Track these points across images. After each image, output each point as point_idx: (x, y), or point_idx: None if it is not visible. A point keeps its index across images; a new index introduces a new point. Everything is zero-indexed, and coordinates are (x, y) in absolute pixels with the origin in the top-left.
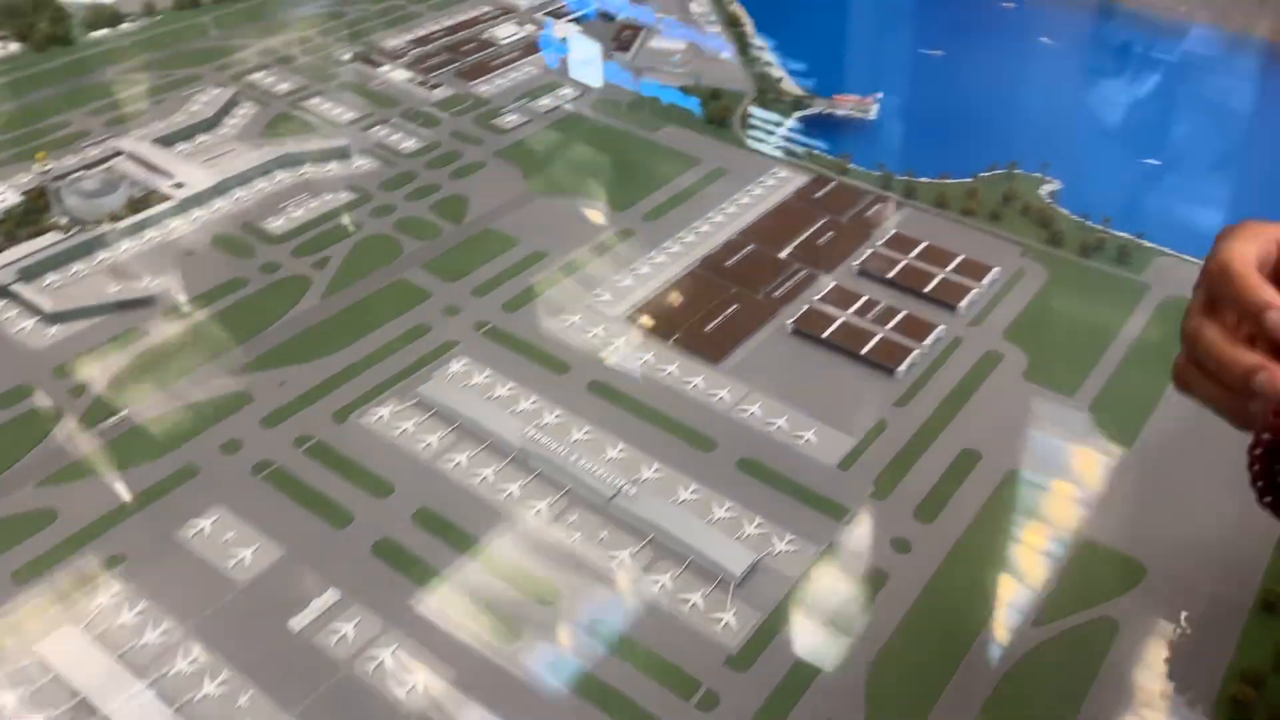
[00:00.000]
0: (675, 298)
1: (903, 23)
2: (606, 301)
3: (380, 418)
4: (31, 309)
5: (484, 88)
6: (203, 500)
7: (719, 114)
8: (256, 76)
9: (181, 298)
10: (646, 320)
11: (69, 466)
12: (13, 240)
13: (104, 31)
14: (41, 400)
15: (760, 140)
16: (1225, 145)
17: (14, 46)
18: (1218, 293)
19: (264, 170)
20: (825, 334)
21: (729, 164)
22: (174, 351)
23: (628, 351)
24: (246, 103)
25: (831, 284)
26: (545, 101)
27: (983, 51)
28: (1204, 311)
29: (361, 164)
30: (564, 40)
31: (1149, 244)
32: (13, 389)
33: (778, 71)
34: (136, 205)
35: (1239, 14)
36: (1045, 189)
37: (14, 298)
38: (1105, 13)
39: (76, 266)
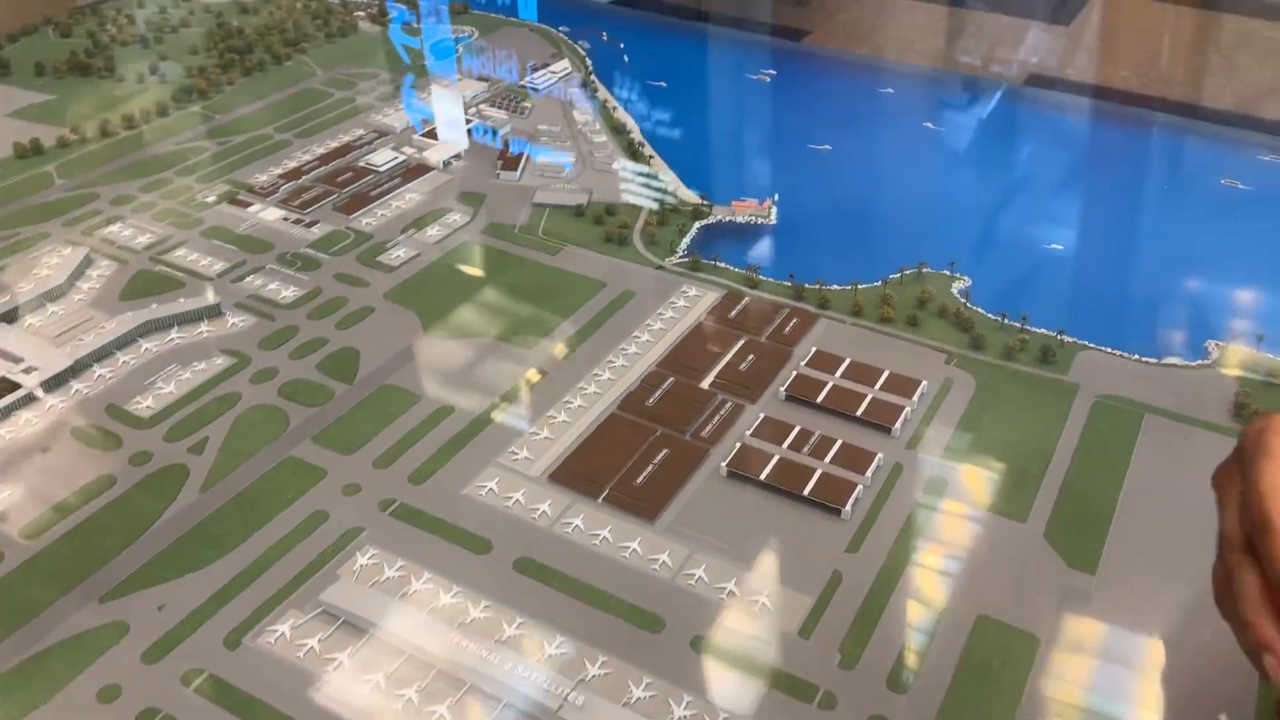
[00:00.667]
0: (598, 448)
1: (784, 117)
2: (524, 460)
3: (280, 635)
4: None
5: (366, 221)
6: None
7: (618, 231)
8: (112, 230)
9: (37, 510)
10: (570, 480)
11: None
12: None
13: None
14: None
15: (665, 256)
16: (1124, 218)
17: None
18: (1258, 545)
19: (126, 341)
20: (763, 475)
21: (636, 284)
22: (32, 584)
23: (554, 517)
24: (102, 261)
25: (760, 416)
26: (433, 231)
27: (869, 142)
28: (1245, 548)
29: (236, 321)
30: (445, 163)
31: (1070, 339)
32: None
33: (671, 179)
34: None
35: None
36: (957, 286)
37: None
38: (981, 89)
39: None
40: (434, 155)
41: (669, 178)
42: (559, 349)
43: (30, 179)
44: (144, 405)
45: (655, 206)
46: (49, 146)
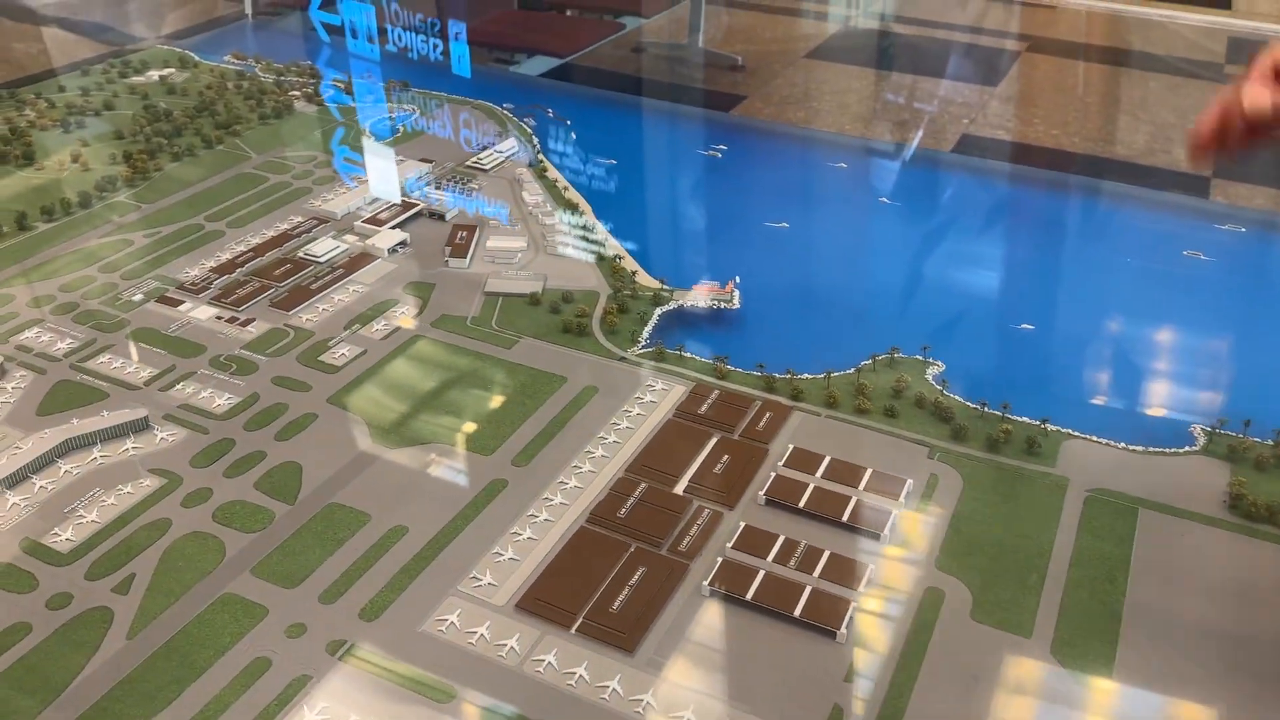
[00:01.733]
0: (569, 569)
1: (737, 194)
2: (487, 586)
3: None
4: None
5: (305, 316)
6: None
7: (576, 320)
8: (28, 336)
9: None
10: (539, 609)
11: None
12: None
13: None
14: None
15: (627, 346)
16: (1091, 294)
17: None
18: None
19: (44, 463)
20: (749, 594)
21: (598, 379)
22: None
23: (523, 653)
24: (18, 371)
25: (741, 525)
26: (380, 326)
27: (826, 218)
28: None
29: (165, 436)
30: (389, 250)
31: (1054, 427)
32: None
33: (629, 263)
34: None
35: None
36: (931, 372)
37: None
38: (934, 163)
39: None
40: (380, 242)
41: (629, 264)
42: (515, 454)
43: None
44: (63, 538)
45: (612, 293)
46: None
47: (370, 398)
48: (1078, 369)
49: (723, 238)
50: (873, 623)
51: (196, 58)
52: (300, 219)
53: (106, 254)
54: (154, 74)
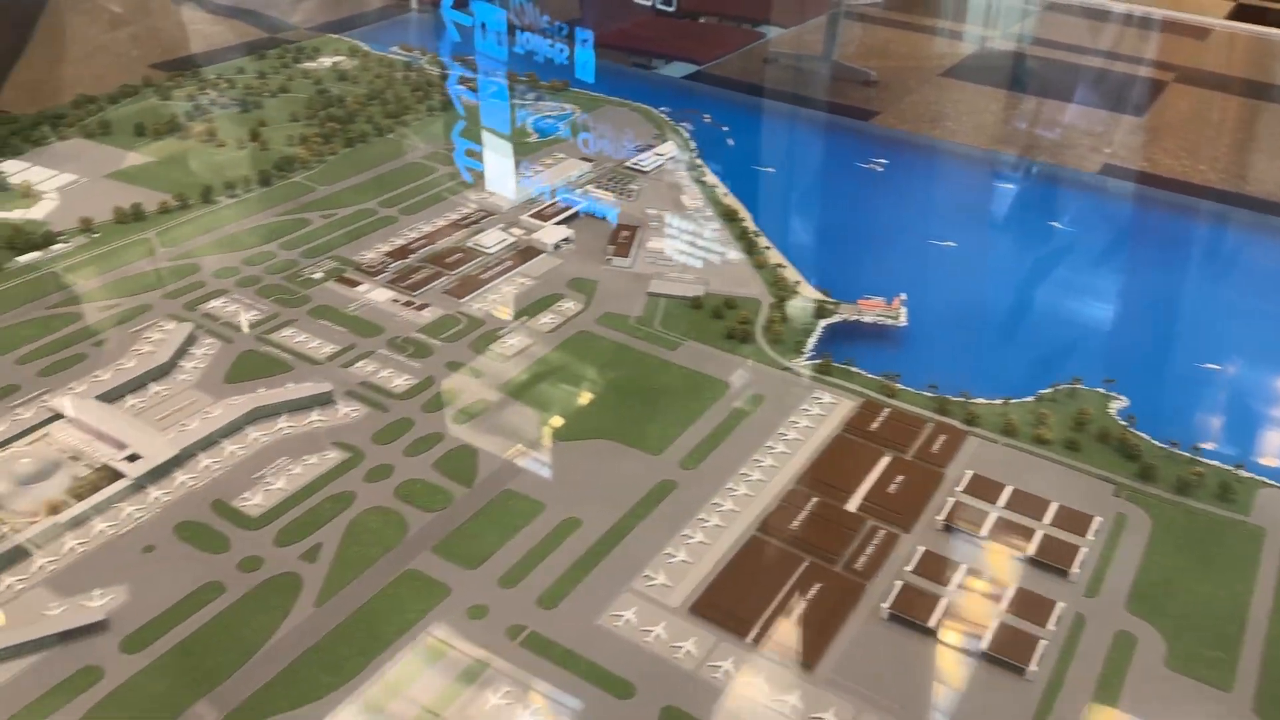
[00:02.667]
0: (742, 577)
1: (900, 208)
2: (661, 587)
3: None
4: None
5: (477, 305)
6: None
7: (739, 327)
8: (214, 305)
9: (141, 618)
10: (714, 614)
11: None
12: None
13: (33, 256)
14: None
15: (791, 356)
16: (1272, 335)
17: None
18: None
19: (233, 429)
20: (931, 621)
21: (762, 387)
22: (134, 704)
23: (700, 658)
24: (206, 339)
25: (920, 549)
26: (546, 319)
27: (995, 240)
28: None
29: (348, 411)
30: (556, 246)
31: (1248, 474)
32: None
33: (791, 274)
34: (81, 489)
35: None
36: (1115, 407)
37: None
38: (1111, 191)
39: (8, 579)
40: (545, 237)
41: (791, 274)
42: (683, 456)
43: (131, 246)
44: (253, 502)
45: (775, 302)
46: (150, 211)
47: (539, 389)
48: (1267, 414)
49: (886, 252)
50: (1063, 663)
51: (366, 47)
52: (469, 209)
53: (286, 231)
54: (325, 60)
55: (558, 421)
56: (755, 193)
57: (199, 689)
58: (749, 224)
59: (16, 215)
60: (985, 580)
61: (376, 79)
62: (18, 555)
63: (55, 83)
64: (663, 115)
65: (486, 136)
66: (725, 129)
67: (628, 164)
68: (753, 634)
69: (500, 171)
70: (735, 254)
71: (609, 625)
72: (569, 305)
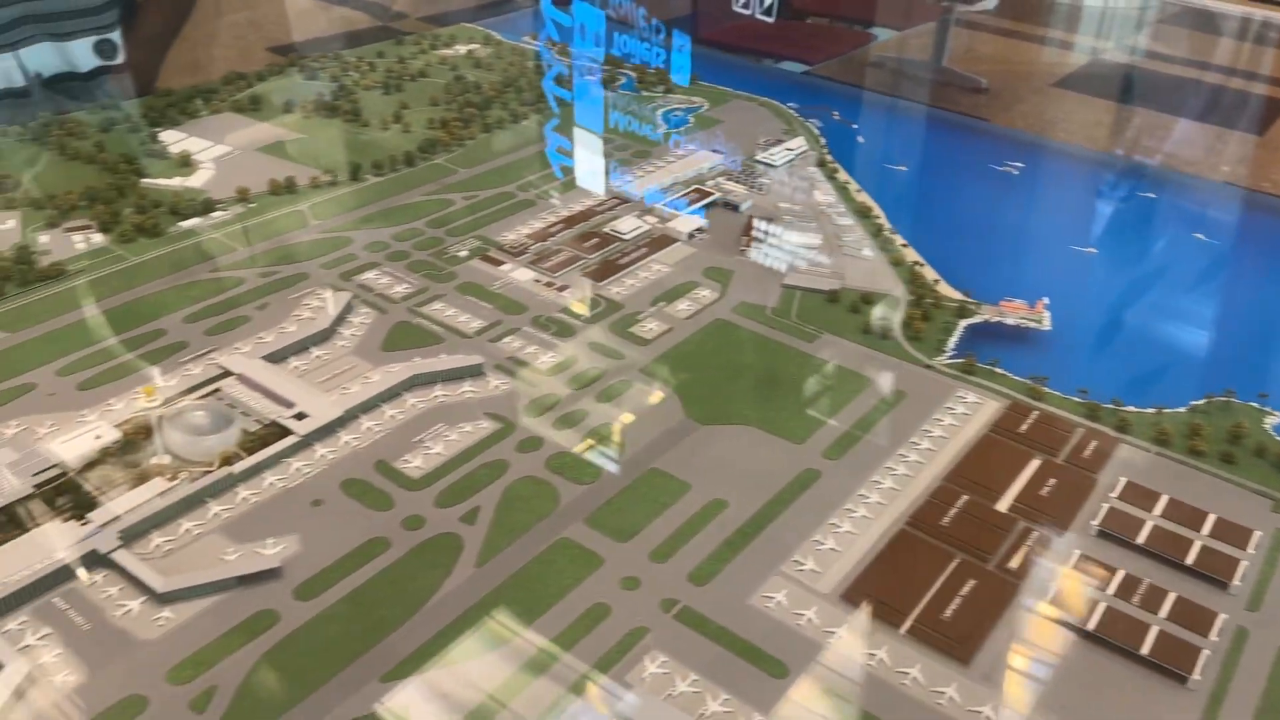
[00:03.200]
0: (893, 568)
1: (1037, 213)
2: (811, 572)
3: None
4: (138, 585)
5: (615, 289)
6: None
7: (880, 322)
8: (368, 277)
9: (313, 568)
10: (867, 603)
11: None
12: (109, 489)
13: (195, 221)
14: (157, 717)
15: (932, 354)
16: None
17: (98, 238)
18: None
19: (392, 394)
20: (1090, 624)
21: (904, 383)
22: (309, 647)
23: (853, 644)
24: (363, 309)
25: (1075, 553)
26: (684, 305)
27: (1138, 249)
28: None
29: (498, 384)
30: (691, 235)
31: None
32: (121, 701)
33: (929, 272)
34: (252, 443)
35: None
36: (1270, 422)
37: (116, 569)
38: (1252, 205)
39: (187, 524)
40: (680, 226)
41: (928, 272)
42: (826, 447)
43: (286, 217)
44: (413, 465)
45: (913, 299)
46: (302, 185)
47: (680, 372)
48: None
49: (1023, 255)
50: (1226, 674)
51: (499, 36)
52: (604, 196)
53: (431, 211)
54: (461, 48)
55: (700, 404)
56: (887, 191)
57: (369, 638)
58: (883, 221)
59: (177, 183)
60: (1143, 587)
61: (510, 67)
62: (194, 502)
63: (206, 60)
64: (791, 111)
65: (591, 131)
66: (854, 126)
67: (758, 157)
68: (906, 625)
69: (589, 166)
70: (870, 250)
71: (760, 606)
72: (705, 293)
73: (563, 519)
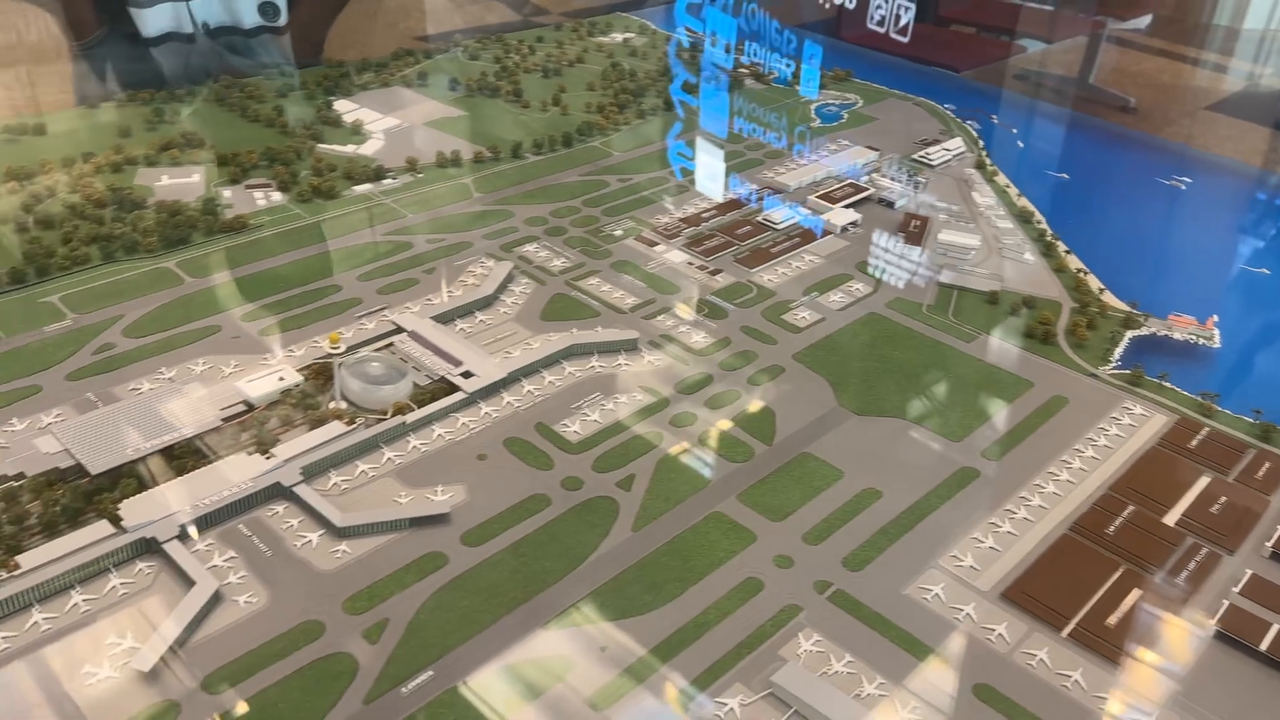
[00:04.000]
0: (1054, 572)
1: (1206, 229)
2: (969, 569)
3: (729, 710)
4: (318, 519)
5: (767, 277)
6: None
7: (1040, 327)
8: (528, 249)
9: (478, 517)
10: (1027, 604)
11: None
12: (290, 427)
13: (366, 186)
14: (333, 643)
15: (1097, 363)
16: None
17: (277, 196)
18: None
19: (552, 361)
20: (1262, 645)
21: (1067, 390)
22: (475, 590)
23: (1012, 643)
24: (523, 279)
25: (1247, 573)
26: (837, 297)
27: None
28: None
29: (651, 359)
30: (844, 229)
31: None
32: (300, 625)
33: (1094, 280)
34: (422, 396)
35: None
36: None
37: (298, 502)
38: None
39: (362, 466)
40: (834, 219)
41: (1093, 281)
42: (985, 447)
43: (451, 189)
44: (571, 429)
45: (1077, 307)
46: (466, 159)
47: (832, 361)
48: None
49: (1193, 271)
50: None
51: (653, 25)
52: (755, 187)
53: (588, 191)
54: (618, 36)
55: (853, 394)
56: (1048, 197)
57: (531, 587)
58: (1045, 227)
59: (349, 150)
60: None
61: (664, 56)
62: (369, 447)
63: (369, 37)
64: (948, 111)
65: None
66: (1014, 131)
67: (914, 156)
68: (1069, 629)
69: (709, 174)
70: (1031, 255)
71: (917, 597)
72: (858, 286)
73: (715, 493)
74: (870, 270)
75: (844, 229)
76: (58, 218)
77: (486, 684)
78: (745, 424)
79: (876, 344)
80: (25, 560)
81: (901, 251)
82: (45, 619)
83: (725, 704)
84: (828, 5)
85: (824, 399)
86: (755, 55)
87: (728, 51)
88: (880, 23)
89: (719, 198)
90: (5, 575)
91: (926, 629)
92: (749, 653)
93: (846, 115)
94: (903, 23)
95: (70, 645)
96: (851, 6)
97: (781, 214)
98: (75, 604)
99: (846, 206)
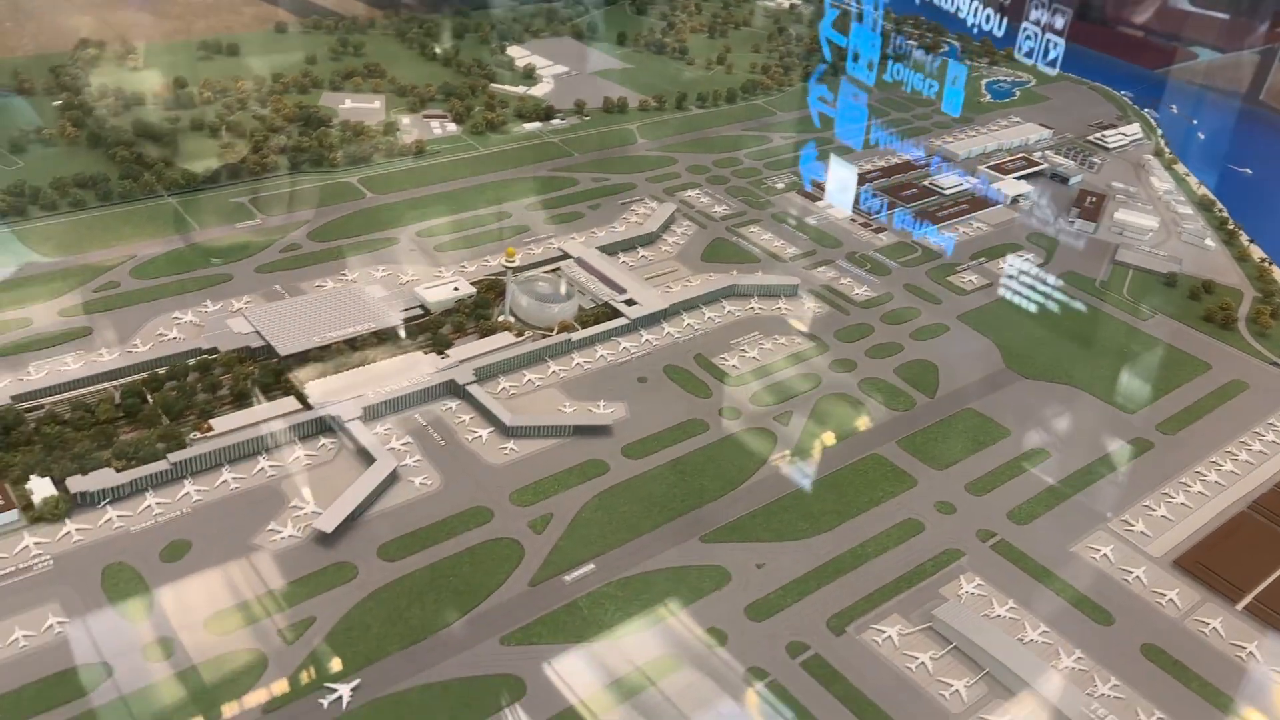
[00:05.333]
0: (1231, 546)
1: None
2: (1141, 534)
3: (886, 638)
4: (488, 417)
5: (934, 240)
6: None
7: (1220, 312)
8: (690, 195)
9: (638, 433)
10: (1202, 572)
11: (534, 624)
12: (461, 334)
13: (535, 125)
14: (501, 528)
15: (1278, 350)
16: None
17: (451, 127)
18: None
19: (711, 299)
20: None
21: (1247, 376)
22: (634, 498)
23: (1184, 610)
24: (684, 222)
25: None
26: (1005, 265)
27: None
28: None
29: (811, 307)
30: (1014, 200)
31: None
32: (469, 510)
33: (1279, 272)
34: (586, 319)
35: None
36: None
37: (470, 400)
38: None
39: (529, 375)
40: (1004, 189)
41: (1276, 271)
42: (1160, 421)
43: (617, 133)
44: (729, 363)
45: (1261, 296)
46: (632, 108)
47: (999, 325)
48: None
49: None
50: None
51: None
52: (922, 153)
53: (750, 145)
54: (785, 1)
55: (1020, 358)
56: (1231, 189)
57: (689, 501)
58: (1225, 216)
59: (520, 90)
60: None
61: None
62: (536, 358)
63: None
64: (1125, 98)
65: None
66: (1194, 123)
67: (1089, 138)
68: (1245, 601)
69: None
70: (1212, 241)
71: (1085, 555)
72: (1028, 257)
73: (875, 436)
74: (1039, 241)
75: (1014, 200)
76: (249, 128)
77: (646, 584)
78: (906, 375)
79: (1045, 313)
80: (218, 424)
81: (1076, 226)
82: (234, 478)
83: (884, 632)
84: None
85: (991, 359)
86: (899, 74)
87: (870, 69)
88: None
89: (857, 148)
90: (199, 436)
91: (1094, 586)
92: (907, 588)
93: (1019, 93)
94: (1051, 57)
95: (256, 504)
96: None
97: (951, 179)
98: (262, 468)
99: (1018, 178)
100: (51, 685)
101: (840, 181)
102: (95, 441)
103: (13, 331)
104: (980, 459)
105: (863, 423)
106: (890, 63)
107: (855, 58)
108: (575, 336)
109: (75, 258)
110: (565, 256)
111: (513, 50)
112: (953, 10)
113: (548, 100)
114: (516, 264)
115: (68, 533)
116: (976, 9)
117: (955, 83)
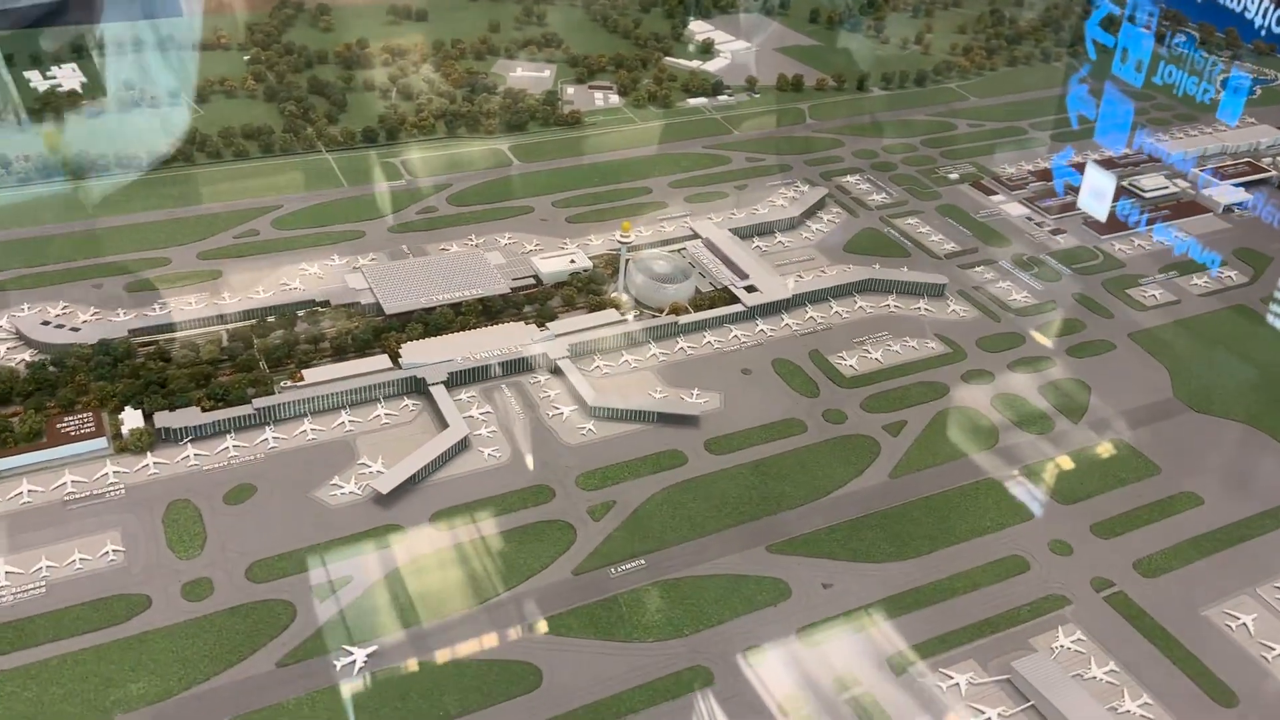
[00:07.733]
0: None
1: None
2: None
3: (953, 685)
4: (573, 395)
5: (1120, 246)
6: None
7: None
8: (848, 180)
9: (728, 427)
10: None
11: (568, 613)
12: (570, 308)
13: (700, 100)
14: (559, 511)
15: None
16: None
17: (614, 99)
18: None
19: (843, 292)
20: None
21: None
22: (705, 496)
23: None
24: (834, 207)
25: None
26: (1199, 281)
27: None
28: None
29: (957, 309)
30: (1224, 207)
31: None
32: (531, 487)
33: None
34: (701, 302)
35: None
36: None
37: (559, 375)
38: None
39: (627, 355)
40: (1217, 196)
41: None
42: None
43: (785, 112)
44: (848, 363)
45: None
46: (807, 86)
47: (1177, 348)
48: None
49: None
50: None
51: None
52: (1128, 150)
53: (930, 131)
54: None
55: (1194, 389)
56: None
57: (764, 506)
58: None
59: (694, 64)
60: None
61: (1053, 8)
62: (638, 340)
63: None
64: None
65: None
66: None
67: None
68: None
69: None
70: None
71: (1218, 621)
72: (1230, 273)
73: (996, 460)
74: (1246, 258)
75: (1226, 209)
76: (417, 91)
77: (694, 587)
78: (1051, 394)
79: (1235, 339)
80: (310, 375)
81: None
82: (314, 429)
83: (951, 678)
84: None
85: (1157, 385)
86: (1171, 76)
87: (1138, 70)
88: None
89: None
90: (290, 384)
91: (1222, 659)
92: (992, 632)
93: (1260, 90)
94: None
95: (328, 457)
96: None
97: (1154, 181)
98: (342, 422)
99: (1237, 185)
100: (93, 609)
101: (1028, 170)
102: (193, 381)
103: (151, 269)
104: (1115, 497)
105: (984, 442)
106: (1161, 64)
107: (1124, 58)
108: (684, 320)
109: (227, 204)
110: (694, 236)
111: (695, 25)
112: (1239, 10)
113: (719, 76)
114: (632, 240)
115: (146, 465)
116: (1267, 9)
117: (1237, 91)
